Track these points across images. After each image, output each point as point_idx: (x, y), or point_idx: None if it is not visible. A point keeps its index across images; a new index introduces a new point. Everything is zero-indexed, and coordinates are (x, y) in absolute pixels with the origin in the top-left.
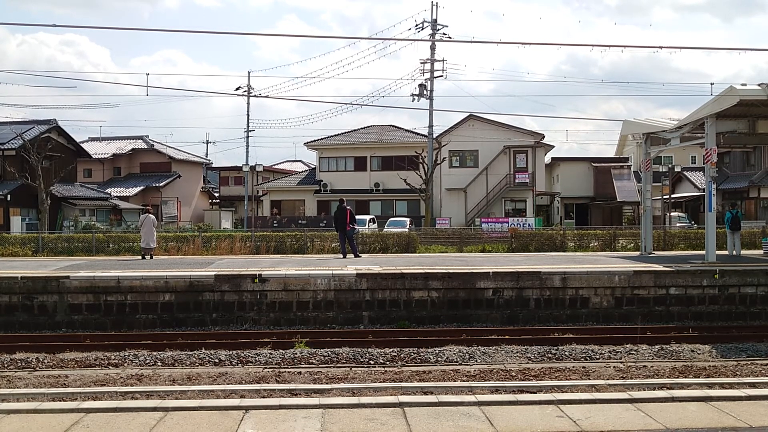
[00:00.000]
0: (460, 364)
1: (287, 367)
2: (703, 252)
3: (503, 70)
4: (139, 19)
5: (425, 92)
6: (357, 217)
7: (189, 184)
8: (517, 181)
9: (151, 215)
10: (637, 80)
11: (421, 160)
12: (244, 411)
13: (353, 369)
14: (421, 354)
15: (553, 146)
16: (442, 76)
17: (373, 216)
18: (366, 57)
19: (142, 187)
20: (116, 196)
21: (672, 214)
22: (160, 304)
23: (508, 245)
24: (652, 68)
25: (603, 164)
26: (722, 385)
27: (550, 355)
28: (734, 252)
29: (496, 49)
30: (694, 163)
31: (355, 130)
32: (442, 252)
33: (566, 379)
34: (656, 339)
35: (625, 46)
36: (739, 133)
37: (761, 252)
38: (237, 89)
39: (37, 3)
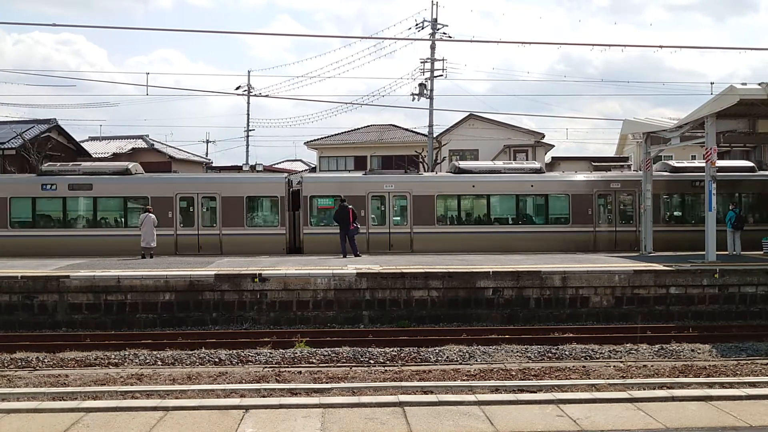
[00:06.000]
0: (460, 364)
1: (287, 367)
2: (703, 252)
3: (500, 69)
4: (132, 18)
5: (425, 91)
6: None
7: None
8: None
9: (151, 215)
10: (632, 79)
11: (421, 160)
12: (244, 410)
13: (353, 368)
14: (421, 353)
15: (553, 146)
16: (442, 75)
17: (373, 215)
18: (363, 57)
19: None
20: None
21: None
22: (160, 303)
23: None
24: (646, 67)
25: (603, 163)
26: (722, 385)
27: (550, 354)
28: (735, 251)
29: (492, 49)
30: (694, 161)
31: (355, 130)
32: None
33: (566, 379)
34: (656, 338)
35: (626, 45)
36: (740, 132)
37: (761, 251)
38: (237, 88)
39: (31, 3)
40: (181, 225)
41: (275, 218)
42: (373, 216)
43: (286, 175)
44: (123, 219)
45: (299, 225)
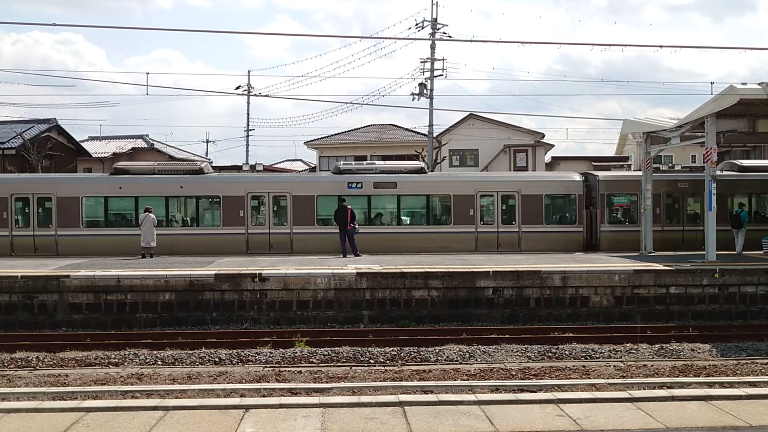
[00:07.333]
0: (461, 363)
1: (287, 366)
2: (703, 252)
3: (500, 69)
4: (131, 18)
5: (425, 91)
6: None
7: None
8: None
9: (151, 215)
10: (631, 79)
11: (421, 159)
12: (244, 410)
13: (353, 368)
14: (422, 353)
15: (554, 145)
16: (442, 75)
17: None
18: (363, 57)
19: None
20: None
21: None
22: (161, 303)
23: None
24: (643, 67)
25: (603, 163)
26: (722, 384)
27: (550, 354)
28: (735, 251)
29: (492, 49)
30: (695, 162)
31: (354, 129)
32: None
33: (566, 378)
34: (656, 338)
35: (625, 45)
36: (740, 132)
37: (761, 251)
38: (237, 88)
39: (30, 3)
40: (482, 222)
41: (573, 216)
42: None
43: (581, 174)
44: (425, 216)
45: (596, 223)
